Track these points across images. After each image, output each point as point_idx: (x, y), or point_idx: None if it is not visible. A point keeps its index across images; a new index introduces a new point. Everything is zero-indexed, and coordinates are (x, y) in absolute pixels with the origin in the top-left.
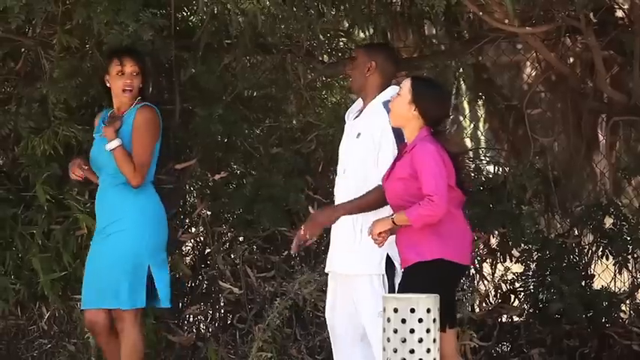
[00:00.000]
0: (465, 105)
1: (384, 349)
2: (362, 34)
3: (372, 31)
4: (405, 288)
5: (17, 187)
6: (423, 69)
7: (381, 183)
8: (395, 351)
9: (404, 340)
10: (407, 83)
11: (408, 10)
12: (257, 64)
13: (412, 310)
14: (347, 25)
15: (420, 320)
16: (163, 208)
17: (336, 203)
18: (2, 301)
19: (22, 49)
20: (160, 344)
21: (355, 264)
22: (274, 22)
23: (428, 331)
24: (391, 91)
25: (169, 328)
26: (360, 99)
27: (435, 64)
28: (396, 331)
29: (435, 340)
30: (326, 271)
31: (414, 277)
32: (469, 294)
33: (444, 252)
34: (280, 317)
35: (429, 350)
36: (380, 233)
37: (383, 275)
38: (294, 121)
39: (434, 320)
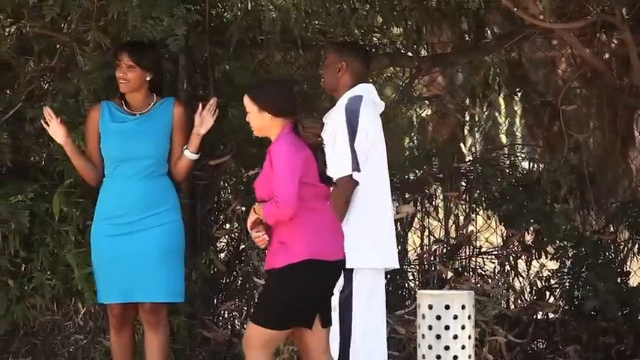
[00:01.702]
0: (501, 101)
1: (418, 346)
2: (396, 30)
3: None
4: (272, 289)
5: (52, 182)
6: (457, 65)
7: (337, 177)
8: (430, 347)
9: (438, 337)
10: (246, 99)
11: (442, 5)
12: (291, 60)
13: (447, 307)
14: (380, 20)
15: (455, 317)
16: None
17: None
18: (38, 296)
19: (57, 46)
20: (194, 340)
21: None
22: (307, 18)
23: (463, 327)
24: (359, 89)
25: (204, 325)
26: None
27: (469, 60)
28: (430, 328)
29: (470, 337)
30: None
31: (284, 278)
32: (504, 290)
33: (311, 252)
34: None
35: (463, 347)
36: (256, 227)
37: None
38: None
39: (469, 317)
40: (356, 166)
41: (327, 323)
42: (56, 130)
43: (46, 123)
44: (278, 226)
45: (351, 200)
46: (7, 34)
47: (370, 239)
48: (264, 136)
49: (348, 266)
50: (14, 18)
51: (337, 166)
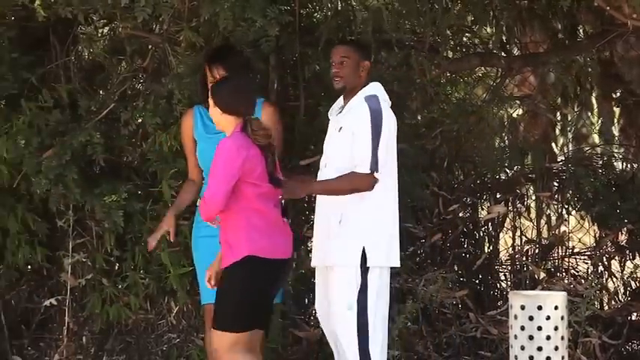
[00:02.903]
0: (593, 101)
1: (510, 347)
2: (487, 30)
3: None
4: (223, 290)
5: (145, 182)
6: (549, 64)
7: (355, 170)
8: (522, 348)
9: (531, 338)
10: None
11: (534, 4)
12: (381, 60)
13: (539, 308)
14: (471, 20)
15: (548, 318)
16: None
17: (318, 199)
18: (132, 295)
19: (149, 46)
20: (286, 340)
21: (332, 255)
22: (398, 18)
23: (556, 328)
24: (373, 87)
25: (296, 324)
26: (341, 96)
27: (561, 60)
28: (523, 329)
29: (562, 338)
30: (312, 265)
31: (230, 278)
32: (597, 291)
33: (252, 249)
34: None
35: (556, 348)
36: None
37: (357, 267)
38: (419, 117)
39: (562, 318)
40: (376, 167)
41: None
42: (158, 235)
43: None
44: (223, 227)
45: (368, 198)
46: (100, 35)
47: (385, 238)
48: (223, 131)
49: (368, 265)
50: (107, 19)
51: (358, 162)
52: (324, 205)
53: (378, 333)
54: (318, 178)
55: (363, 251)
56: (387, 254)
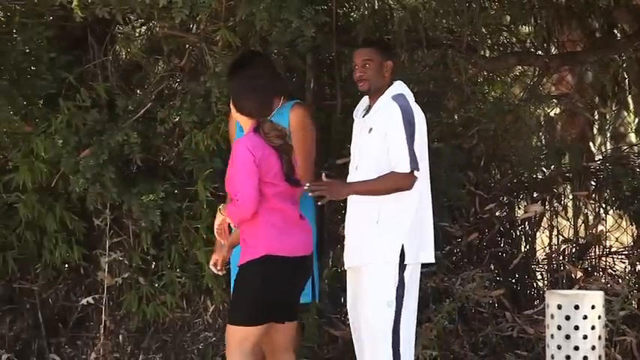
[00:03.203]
0: (630, 100)
1: (547, 346)
2: (524, 29)
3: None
4: (239, 286)
5: (182, 181)
6: (587, 63)
7: (395, 170)
8: (559, 348)
9: (568, 337)
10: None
11: (572, 3)
12: (417, 59)
13: (576, 307)
14: (508, 19)
15: (585, 317)
16: None
17: (350, 201)
18: (169, 294)
19: (187, 46)
20: (322, 339)
21: (371, 253)
22: (436, 17)
23: (593, 328)
24: (398, 86)
25: (332, 323)
26: (366, 97)
27: (599, 58)
28: (559, 328)
29: (599, 337)
30: (345, 267)
31: (246, 276)
32: (634, 290)
33: (269, 248)
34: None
35: (593, 347)
36: (219, 225)
37: (396, 265)
38: (455, 116)
39: (599, 317)
40: (415, 165)
41: (293, 317)
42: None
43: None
44: (242, 226)
45: (406, 196)
46: (137, 34)
47: (421, 235)
48: (245, 129)
49: (405, 262)
50: (144, 19)
51: (396, 162)
52: (358, 206)
53: (409, 330)
54: (349, 180)
55: (402, 249)
56: (422, 251)
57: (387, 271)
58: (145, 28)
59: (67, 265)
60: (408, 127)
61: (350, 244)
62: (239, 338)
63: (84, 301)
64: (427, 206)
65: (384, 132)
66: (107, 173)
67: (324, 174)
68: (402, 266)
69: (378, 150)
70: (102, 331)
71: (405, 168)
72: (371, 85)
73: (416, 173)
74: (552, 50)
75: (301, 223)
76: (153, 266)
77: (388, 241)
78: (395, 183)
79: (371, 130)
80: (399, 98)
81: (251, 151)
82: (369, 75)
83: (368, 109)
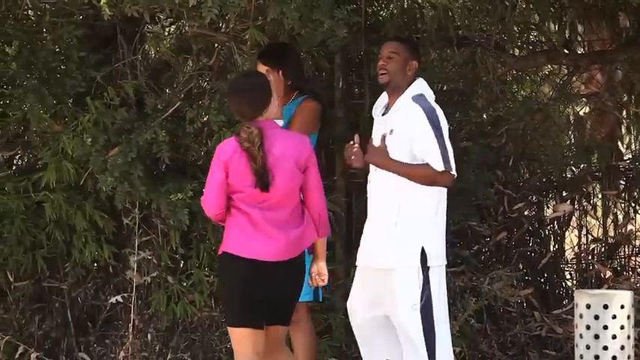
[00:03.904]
0: None
1: (576, 345)
2: (553, 27)
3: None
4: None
5: None
6: (616, 62)
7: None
8: (587, 347)
9: (597, 337)
10: None
11: (601, 2)
12: (446, 57)
13: (605, 307)
14: (537, 17)
15: (614, 317)
16: None
17: (370, 200)
18: (197, 293)
19: (216, 45)
20: (349, 338)
21: (392, 257)
22: (465, 15)
23: (622, 327)
24: (419, 85)
25: None
26: (384, 94)
27: (628, 57)
28: (588, 328)
29: (629, 337)
30: (357, 264)
31: (219, 272)
32: None
33: (227, 245)
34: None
35: (622, 347)
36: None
37: (418, 268)
38: (484, 115)
39: (628, 317)
40: (449, 165)
41: (274, 322)
42: None
43: None
44: None
45: (428, 198)
46: (167, 33)
47: (442, 238)
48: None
49: (428, 264)
50: (173, 18)
51: (432, 161)
52: (377, 207)
53: (443, 331)
54: (371, 180)
55: (423, 251)
56: (443, 252)
57: (409, 274)
58: (174, 27)
59: (96, 264)
60: (434, 129)
61: (366, 243)
62: (235, 341)
63: (113, 300)
64: (445, 206)
65: (406, 134)
66: (135, 172)
67: (356, 136)
68: (425, 268)
69: (399, 150)
70: (130, 330)
71: (439, 167)
72: (391, 80)
73: (454, 172)
74: (581, 49)
75: (269, 230)
76: (181, 265)
77: (407, 245)
78: (430, 177)
79: (392, 131)
80: (419, 99)
81: (219, 154)
82: (392, 67)
83: (387, 108)
